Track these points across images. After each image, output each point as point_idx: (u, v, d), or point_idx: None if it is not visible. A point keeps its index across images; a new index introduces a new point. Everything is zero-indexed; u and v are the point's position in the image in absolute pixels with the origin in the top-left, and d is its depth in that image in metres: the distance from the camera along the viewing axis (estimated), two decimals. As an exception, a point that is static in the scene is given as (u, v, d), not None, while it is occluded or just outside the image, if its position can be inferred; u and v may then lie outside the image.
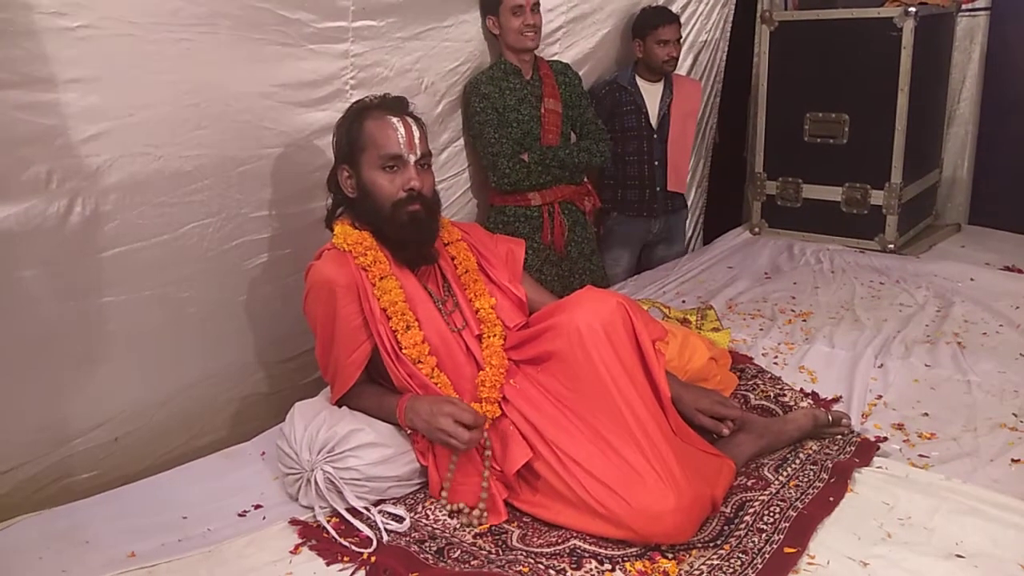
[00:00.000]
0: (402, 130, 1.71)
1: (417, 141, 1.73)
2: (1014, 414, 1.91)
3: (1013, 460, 1.72)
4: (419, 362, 1.67)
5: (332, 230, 1.76)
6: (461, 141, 2.78)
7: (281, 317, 2.16)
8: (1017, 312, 2.56)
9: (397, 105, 1.77)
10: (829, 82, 3.35)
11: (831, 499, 1.58)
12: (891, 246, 3.32)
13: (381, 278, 1.69)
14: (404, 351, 1.67)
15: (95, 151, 1.72)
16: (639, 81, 3.26)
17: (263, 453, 1.85)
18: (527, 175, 2.72)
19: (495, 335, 1.76)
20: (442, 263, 1.82)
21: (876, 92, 3.23)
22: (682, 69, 3.52)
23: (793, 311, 2.68)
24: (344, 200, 1.79)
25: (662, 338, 1.67)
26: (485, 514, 1.57)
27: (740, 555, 1.43)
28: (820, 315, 2.63)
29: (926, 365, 2.20)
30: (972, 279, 2.88)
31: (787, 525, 1.51)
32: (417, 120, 1.76)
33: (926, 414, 1.94)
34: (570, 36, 3.09)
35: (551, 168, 2.76)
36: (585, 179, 2.99)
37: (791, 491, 1.62)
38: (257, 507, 1.65)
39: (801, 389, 2.06)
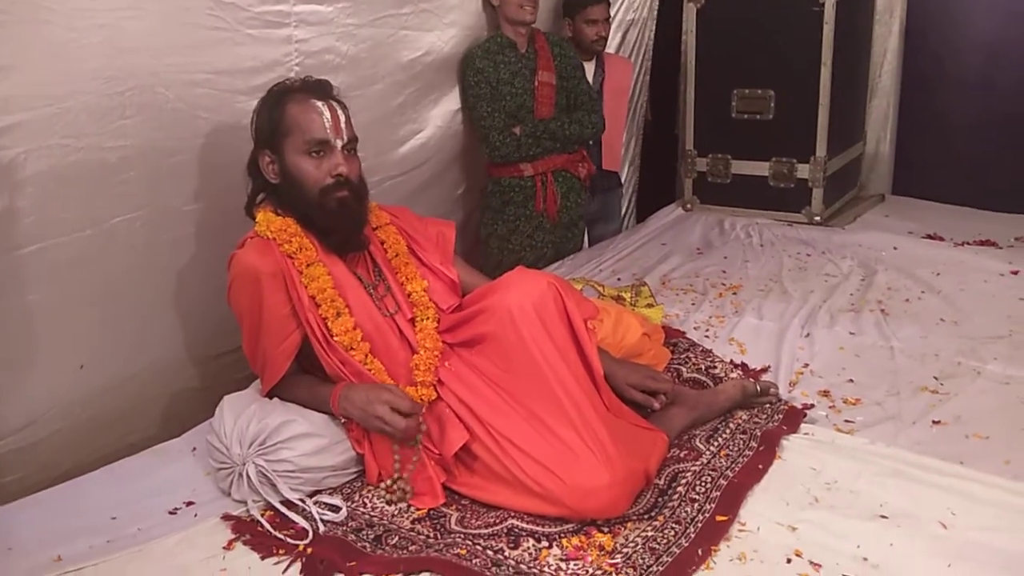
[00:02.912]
0: (327, 114, 1.68)
1: (343, 125, 1.70)
2: (935, 377, 1.98)
3: (934, 422, 1.78)
4: (351, 349, 1.65)
5: (253, 217, 1.72)
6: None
7: (214, 312, 2.08)
8: (938, 279, 2.65)
9: (321, 88, 1.73)
10: (755, 58, 3.40)
11: (760, 467, 1.62)
12: (817, 218, 3.40)
13: (308, 265, 1.66)
14: (335, 338, 1.64)
15: (8, 143, 1.65)
16: (570, 60, 3.26)
17: (194, 449, 1.81)
18: (517, 148, 2.83)
19: (428, 318, 1.74)
20: (372, 248, 1.80)
21: (800, 67, 3.29)
22: (610, 48, 3.54)
23: (724, 285, 2.73)
24: (266, 186, 1.74)
25: (594, 316, 1.68)
26: (409, 487, 1.56)
27: (674, 525, 1.46)
28: (749, 288, 2.69)
29: (851, 333, 2.26)
30: (895, 248, 2.98)
31: (718, 494, 1.54)
32: (341, 104, 1.73)
33: (851, 380, 2.00)
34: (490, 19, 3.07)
35: (542, 140, 2.87)
36: (581, 147, 3.06)
37: (722, 460, 1.65)
38: (189, 504, 1.62)
39: (731, 361, 2.10)
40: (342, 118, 1.69)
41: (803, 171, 3.39)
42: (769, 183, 3.49)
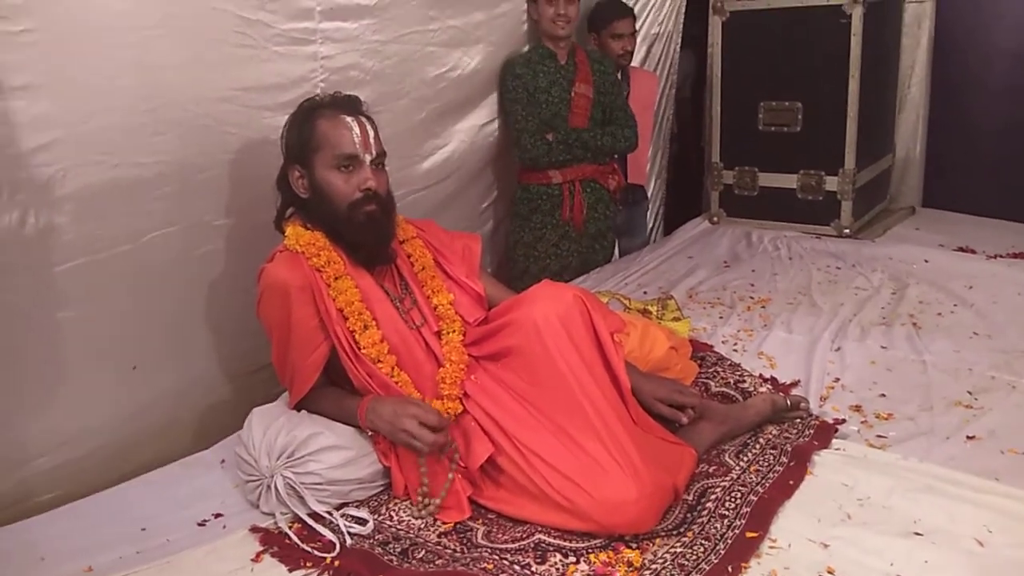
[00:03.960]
0: (357, 129, 1.69)
1: (372, 141, 1.71)
2: (969, 392, 1.95)
3: (968, 437, 1.75)
4: (379, 361, 1.66)
5: (283, 231, 1.74)
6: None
7: (247, 327, 2.10)
8: (970, 292, 2.61)
9: (350, 104, 1.75)
10: (781, 71, 3.38)
11: (791, 482, 1.60)
12: (847, 231, 3.36)
13: (336, 278, 1.67)
14: (363, 351, 1.65)
15: (46, 161, 1.68)
16: (596, 74, 3.27)
17: (223, 461, 1.82)
18: (548, 152, 2.87)
19: (454, 331, 1.75)
20: (398, 261, 1.81)
21: (828, 79, 3.26)
22: (635, 61, 3.54)
23: (752, 298, 2.71)
24: (295, 201, 1.76)
25: (621, 330, 1.67)
26: (438, 503, 1.56)
27: (703, 542, 1.44)
28: (778, 301, 2.66)
29: (882, 347, 2.23)
30: (926, 261, 2.93)
31: (748, 510, 1.52)
32: (370, 120, 1.75)
33: (883, 395, 1.97)
34: (530, 32, 3.09)
35: (574, 148, 2.90)
36: (612, 160, 3.11)
37: (752, 476, 1.63)
38: (217, 516, 1.63)
39: (760, 375, 2.08)
40: (371, 133, 1.71)
41: (832, 183, 3.36)
42: (797, 195, 3.46)
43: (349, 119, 1.69)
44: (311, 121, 1.70)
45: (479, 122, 2.89)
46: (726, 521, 1.49)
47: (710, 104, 3.72)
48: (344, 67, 2.27)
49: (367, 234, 1.71)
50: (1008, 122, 3.69)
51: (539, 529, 1.50)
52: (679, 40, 3.88)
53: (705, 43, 3.71)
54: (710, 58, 3.74)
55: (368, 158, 1.70)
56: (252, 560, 1.47)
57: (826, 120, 3.31)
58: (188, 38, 1.89)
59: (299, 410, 1.72)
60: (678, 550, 1.42)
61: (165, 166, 1.89)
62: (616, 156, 3.17)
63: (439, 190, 2.78)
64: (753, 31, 3.45)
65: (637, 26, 3.42)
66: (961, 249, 3.06)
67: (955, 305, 2.52)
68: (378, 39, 2.36)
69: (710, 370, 2.09)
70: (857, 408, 1.91)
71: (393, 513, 1.60)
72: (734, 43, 3.50)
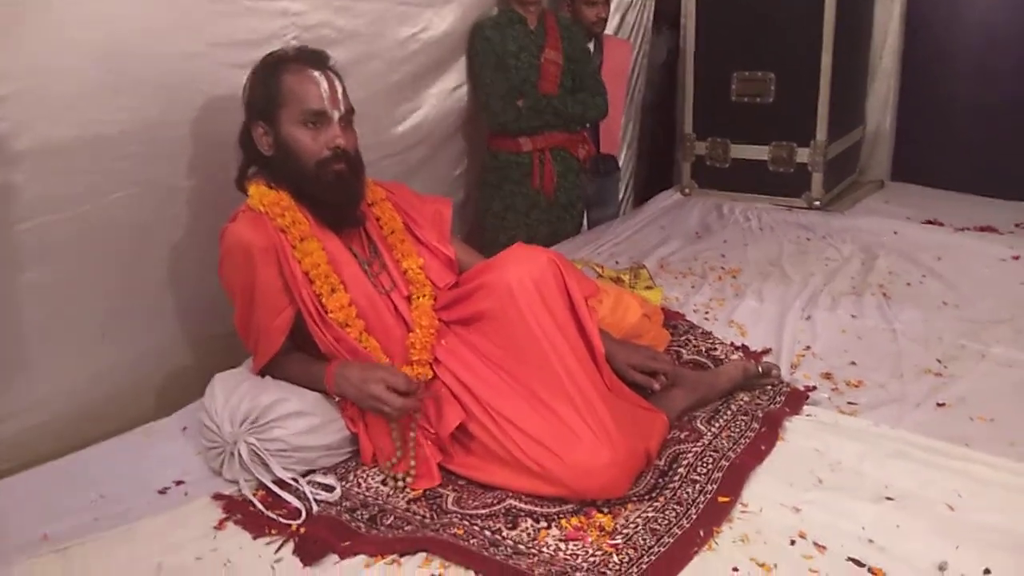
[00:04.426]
0: (325, 85, 1.63)
1: (340, 97, 1.65)
2: (938, 360, 1.96)
3: (938, 404, 1.76)
4: (347, 326, 1.61)
5: (245, 191, 1.68)
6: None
7: (212, 290, 2.05)
8: (939, 263, 2.62)
9: (317, 58, 1.68)
10: (755, 41, 3.36)
11: (763, 448, 1.59)
12: (817, 203, 3.36)
13: (302, 239, 1.61)
14: (330, 315, 1.60)
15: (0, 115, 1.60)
16: (569, 42, 3.22)
17: (184, 428, 1.77)
18: (517, 118, 2.82)
19: (424, 295, 1.71)
20: (367, 224, 1.76)
21: (801, 50, 3.25)
22: (609, 30, 3.49)
23: (723, 268, 2.70)
24: (258, 159, 1.69)
25: (594, 295, 1.65)
26: (410, 477, 1.53)
27: (675, 506, 1.43)
28: (749, 271, 2.66)
29: (852, 316, 2.24)
30: (895, 233, 2.94)
31: (720, 475, 1.51)
32: (338, 75, 1.69)
33: (853, 363, 1.97)
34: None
35: (544, 114, 2.86)
36: (583, 129, 3.06)
37: (723, 442, 1.62)
38: (179, 483, 1.58)
39: (732, 343, 2.07)
40: (339, 89, 1.65)
41: (803, 155, 3.35)
42: (768, 167, 3.45)
43: (316, 73, 1.63)
44: (276, 75, 1.63)
45: (450, 85, 2.83)
46: (698, 486, 1.48)
47: (683, 74, 3.69)
48: (316, 24, 2.20)
49: (335, 194, 1.65)
50: (977, 97, 3.70)
51: (510, 495, 1.48)
52: (652, 8, 3.84)
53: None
54: (683, 28, 3.72)
55: (336, 115, 1.63)
56: (215, 528, 1.43)
57: (798, 91, 3.30)
58: None
59: (263, 375, 1.67)
60: (650, 514, 1.41)
61: (129, 124, 1.82)
62: (587, 125, 3.13)
63: (412, 155, 2.72)
64: (726, 0, 3.41)
65: (611, -7, 3.38)
66: (929, 222, 3.06)
67: (924, 276, 2.53)
68: None
69: (682, 338, 2.08)
70: (828, 376, 1.91)
71: (361, 480, 1.57)
72: (708, 13, 3.46)
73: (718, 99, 3.50)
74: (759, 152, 3.46)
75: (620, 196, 3.86)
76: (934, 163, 3.77)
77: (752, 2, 3.34)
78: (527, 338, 1.52)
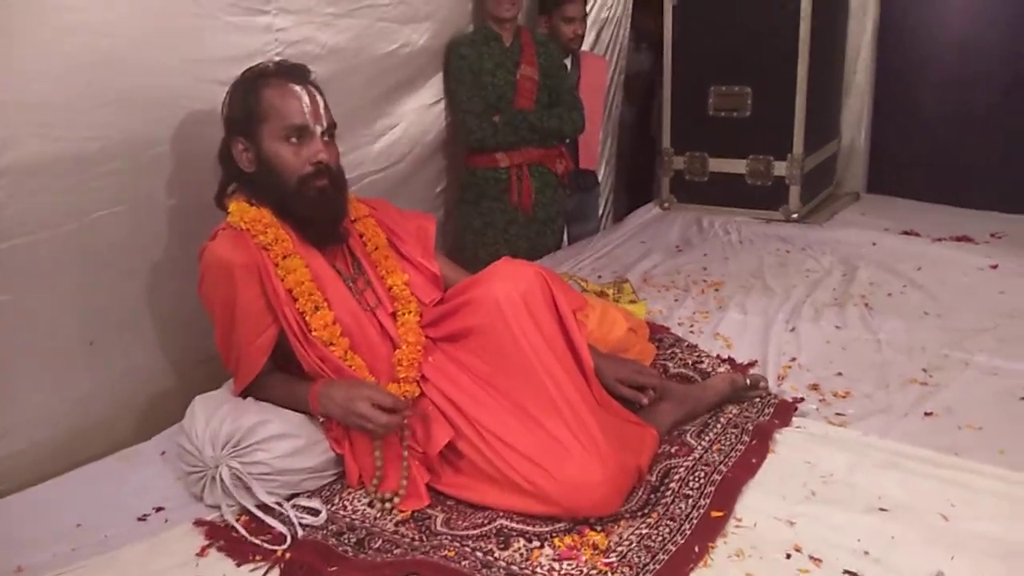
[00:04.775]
0: (306, 99, 1.61)
1: (322, 111, 1.63)
2: (923, 369, 1.96)
3: (926, 413, 1.75)
4: (331, 344, 1.58)
5: (225, 209, 1.64)
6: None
7: (198, 312, 2.00)
8: (919, 273, 2.64)
9: (298, 72, 1.66)
10: (732, 55, 3.37)
11: (754, 461, 1.58)
12: (795, 216, 3.38)
13: (284, 257, 1.58)
14: (314, 333, 1.57)
15: (-24, 132, 1.56)
16: (547, 59, 3.22)
17: (163, 453, 1.73)
18: (494, 134, 2.82)
19: (410, 312, 1.68)
20: (351, 241, 1.73)
21: (777, 64, 3.27)
22: (585, 46, 3.50)
23: (705, 281, 2.70)
24: (239, 176, 1.66)
25: (582, 308, 1.63)
26: (398, 497, 1.49)
27: (668, 522, 1.41)
28: (731, 284, 2.65)
29: (836, 327, 2.24)
30: (874, 244, 2.96)
31: (712, 489, 1.49)
32: (319, 89, 1.66)
33: (840, 373, 1.97)
34: (475, 10, 3.02)
35: (520, 130, 2.84)
36: (561, 144, 3.05)
37: (714, 455, 1.60)
38: (158, 510, 1.54)
39: (718, 356, 2.06)
40: (321, 103, 1.63)
41: (780, 168, 3.37)
42: (746, 181, 3.46)
43: (298, 88, 1.61)
44: (256, 90, 1.61)
45: (427, 102, 2.82)
46: (690, 501, 1.46)
47: (661, 89, 3.70)
48: (300, 40, 2.19)
49: (318, 210, 1.62)
50: (950, 109, 3.75)
51: (501, 514, 1.45)
52: (628, 25, 3.86)
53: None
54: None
55: (319, 129, 1.61)
56: (197, 555, 1.39)
57: (775, 105, 3.32)
58: (136, 6, 1.79)
59: (245, 397, 1.63)
60: (644, 531, 1.39)
61: (111, 141, 1.79)
62: (566, 140, 3.13)
63: (393, 172, 2.71)
64: (704, 15, 3.43)
65: (587, 10, 3.39)
66: (906, 233, 3.08)
67: (904, 286, 2.54)
68: (331, 11, 2.29)
69: (668, 351, 2.06)
70: (815, 387, 1.90)
71: (347, 503, 1.53)
72: (685, 28, 3.48)
73: (696, 113, 3.51)
74: (737, 166, 3.48)
75: (600, 211, 3.86)
76: (908, 175, 3.81)
77: (728, 16, 3.36)
78: (515, 353, 1.50)
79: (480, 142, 2.83)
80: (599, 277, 2.77)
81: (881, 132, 3.89)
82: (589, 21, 3.51)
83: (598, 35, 3.69)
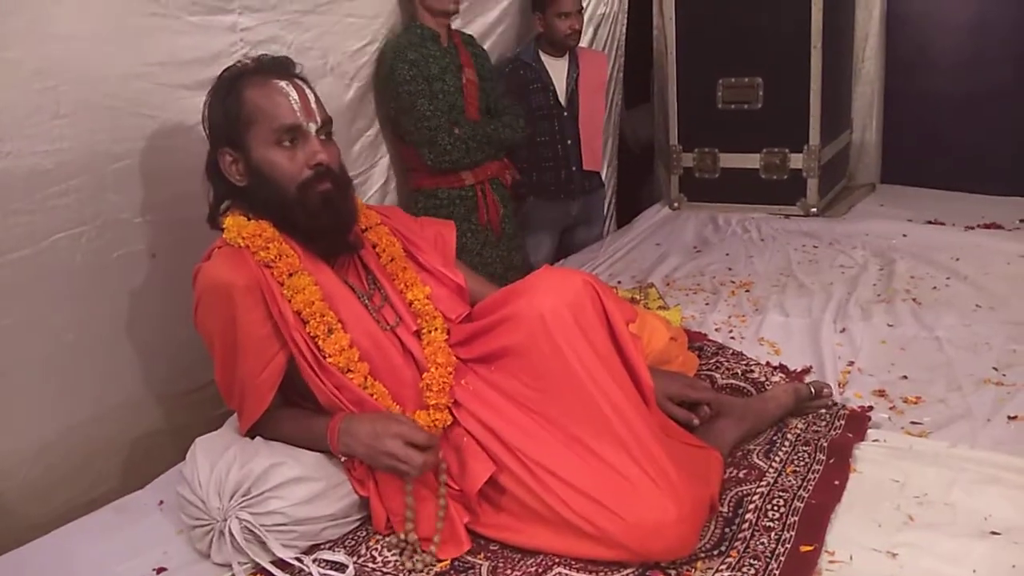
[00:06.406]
0: (295, 95, 1.41)
1: (314, 106, 1.43)
2: (994, 368, 1.79)
3: (1010, 417, 1.58)
4: (348, 371, 1.37)
5: (220, 227, 1.44)
6: (374, 130, 2.50)
7: (179, 339, 1.81)
8: (958, 264, 2.48)
9: (281, 66, 1.46)
10: (740, 45, 3.22)
11: (836, 483, 1.39)
12: (814, 210, 3.22)
13: (290, 275, 1.38)
14: (329, 360, 1.37)
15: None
16: (543, 57, 3.06)
17: (161, 502, 1.52)
18: (466, 151, 2.49)
19: (436, 329, 1.48)
20: (363, 252, 1.53)
21: (788, 52, 3.12)
22: (582, 44, 3.33)
23: (733, 282, 2.53)
24: (232, 191, 1.45)
25: (633, 320, 1.43)
26: (434, 545, 1.30)
27: (752, 561, 1.22)
28: (762, 284, 2.48)
29: (889, 325, 2.07)
30: (904, 235, 2.81)
31: (796, 519, 1.31)
32: (307, 82, 1.47)
33: (905, 377, 1.79)
34: (470, 10, 2.86)
35: (481, 144, 2.54)
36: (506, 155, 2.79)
37: (790, 479, 1.42)
38: (160, 571, 1.34)
39: (768, 363, 1.88)
40: (311, 97, 1.43)
41: (796, 161, 3.21)
42: (761, 175, 3.30)
43: (283, 83, 1.41)
44: (237, 92, 1.40)
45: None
46: (773, 534, 1.28)
47: (664, 85, 3.54)
48: (266, 40, 2.02)
49: (324, 218, 1.42)
50: (962, 93, 3.61)
51: (557, 560, 1.26)
52: (625, 21, 3.70)
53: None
54: (660, 38, 3.58)
55: (313, 127, 1.41)
56: (207, 626, 1.19)
57: (788, 95, 3.17)
58: (91, 4, 1.62)
59: (252, 437, 1.43)
60: (725, 573, 1.20)
61: (69, 154, 1.62)
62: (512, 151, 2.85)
63: (375, 176, 2.55)
64: (710, 5, 3.28)
65: (584, 6, 3.22)
66: (930, 222, 2.94)
67: (948, 278, 2.39)
68: (297, 8, 2.12)
69: (711, 361, 1.89)
70: (881, 393, 1.73)
71: (375, 552, 1.33)
72: (688, 16, 3.32)
73: (704, 108, 3.35)
74: (750, 160, 3.32)
75: (605, 214, 3.68)
76: (923, 164, 3.67)
77: (734, 5, 3.21)
78: (565, 374, 1.30)
79: (455, 163, 2.50)
80: (619, 283, 2.59)
81: (893, 121, 3.75)
82: (586, 17, 3.34)
83: (595, 32, 3.53)
